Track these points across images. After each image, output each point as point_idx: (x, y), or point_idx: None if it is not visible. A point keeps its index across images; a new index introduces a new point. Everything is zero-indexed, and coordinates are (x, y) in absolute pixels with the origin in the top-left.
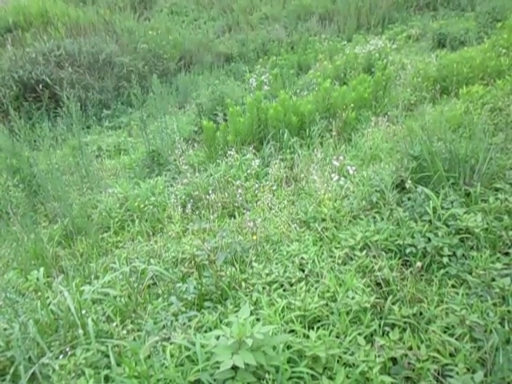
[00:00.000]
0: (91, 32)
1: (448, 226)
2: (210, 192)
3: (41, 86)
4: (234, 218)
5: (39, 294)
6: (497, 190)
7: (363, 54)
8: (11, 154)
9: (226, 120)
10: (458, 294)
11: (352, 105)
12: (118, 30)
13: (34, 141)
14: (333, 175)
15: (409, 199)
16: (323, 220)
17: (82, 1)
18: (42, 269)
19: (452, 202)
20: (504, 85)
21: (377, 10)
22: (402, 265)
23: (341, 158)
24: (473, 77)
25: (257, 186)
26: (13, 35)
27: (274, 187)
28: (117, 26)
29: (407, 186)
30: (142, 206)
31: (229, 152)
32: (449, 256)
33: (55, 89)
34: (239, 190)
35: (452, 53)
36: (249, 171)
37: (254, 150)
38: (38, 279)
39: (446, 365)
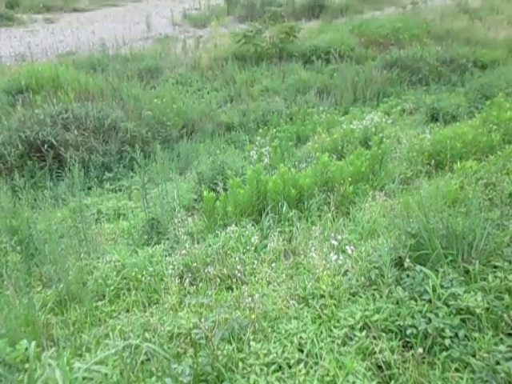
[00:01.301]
0: (99, 97)
1: (448, 305)
2: (209, 263)
3: (46, 147)
4: (232, 291)
5: (27, 365)
6: (495, 267)
7: (360, 129)
8: (11, 214)
9: (225, 190)
10: (462, 378)
11: (349, 179)
12: (124, 97)
13: (35, 199)
14: (331, 254)
15: (408, 276)
16: (322, 296)
17: (92, 68)
18: (33, 343)
19: (451, 281)
20: (496, 160)
21: (372, 85)
22: (404, 346)
23: (339, 236)
24: (466, 152)
25: (255, 259)
26: (24, 97)
27: (273, 261)
28: (124, 93)
29: (406, 264)
30: (140, 275)
31: (228, 227)
32: (451, 337)
33: (60, 150)
34: (238, 264)
35: (445, 127)
36: (248, 246)
37: (253, 222)
38: (26, 349)
39: None
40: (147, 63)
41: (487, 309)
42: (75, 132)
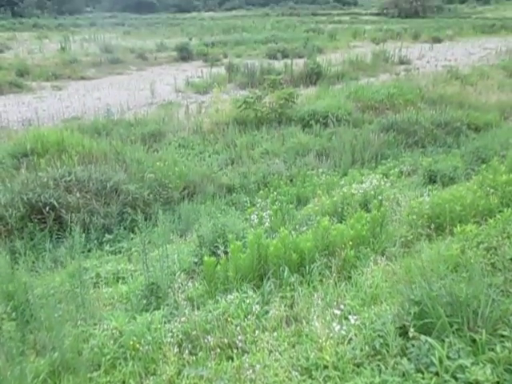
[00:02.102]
0: (102, 161)
1: (456, 379)
2: (209, 330)
3: (47, 209)
4: (232, 360)
5: None
6: (503, 336)
7: (359, 192)
8: (8, 278)
9: (226, 253)
10: None
11: (350, 242)
12: (127, 160)
13: (33, 262)
14: (334, 324)
15: (413, 346)
16: (325, 367)
17: (97, 132)
18: None
19: (458, 352)
20: (496, 224)
21: (370, 147)
22: None
23: (341, 306)
24: (465, 215)
25: (256, 326)
26: (28, 160)
27: (274, 329)
28: (127, 157)
29: (410, 334)
30: (137, 344)
31: (229, 294)
32: None
33: (61, 212)
34: (239, 332)
35: (443, 189)
36: (249, 313)
37: (254, 287)
38: None
39: None
40: (150, 128)
41: (497, 382)
42: (77, 194)
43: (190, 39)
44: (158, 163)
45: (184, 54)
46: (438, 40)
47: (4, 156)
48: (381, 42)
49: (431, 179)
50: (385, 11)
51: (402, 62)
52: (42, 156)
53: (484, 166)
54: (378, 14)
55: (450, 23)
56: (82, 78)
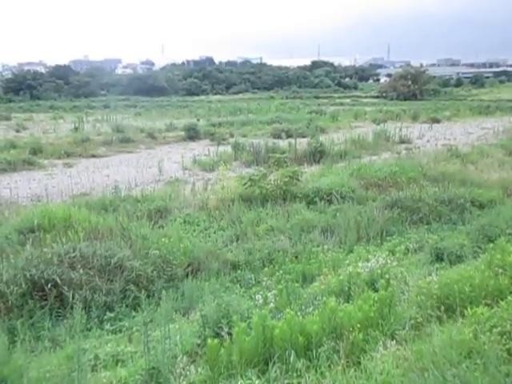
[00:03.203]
0: (108, 236)
1: None
2: None
3: (49, 286)
4: None
5: None
6: None
7: (366, 271)
8: (5, 360)
9: (230, 334)
10: None
11: (358, 325)
12: (132, 236)
13: (30, 341)
14: None
15: None
16: None
17: (104, 208)
18: None
19: None
20: (508, 306)
21: (374, 224)
22: None
23: None
24: (475, 296)
25: None
26: (35, 235)
27: None
28: (132, 233)
29: None
30: None
31: (232, 380)
32: None
33: (63, 289)
34: None
35: (451, 267)
36: None
37: (259, 373)
38: None
39: None
40: (157, 204)
41: None
42: (80, 271)
43: (198, 120)
44: (163, 239)
45: (192, 134)
46: (436, 120)
47: (11, 232)
48: (381, 122)
49: (438, 257)
50: (384, 94)
51: (402, 141)
52: (48, 232)
53: (491, 245)
54: (377, 97)
55: (447, 105)
56: (93, 156)
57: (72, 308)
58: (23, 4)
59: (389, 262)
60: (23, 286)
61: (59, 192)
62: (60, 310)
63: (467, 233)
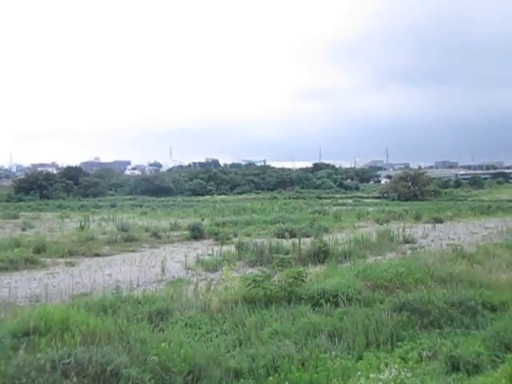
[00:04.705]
0: (106, 340)
1: None
2: None
3: None
4: None
5: None
6: None
7: None
8: None
9: None
10: None
11: None
12: (131, 341)
13: None
14: None
15: None
16: None
17: (103, 310)
18: None
19: None
20: None
21: (383, 328)
22: None
23: None
24: None
25: None
26: (29, 339)
27: None
28: (131, 337)
29: None
30: None
31: None
32: None
33: None
34: None
35: (469, 378)
36: None
37: None
38: None
39: None
40: (158, 305)
41: None
42: (74, 379)
43: (203, 219)
44: (162, 344)
45: (196, 233)
46: (439, 220)
47: (4, 335)
48: (384, 222)
49: (454, 366)
50: (385, 195)
51: (406, 241)
52: (44, 335)
53: (510, 355)
54: (378, 198)
55: (448, 205)
56: (96, 255)
57: None
58: (37, 108)
59: (402, 372)
60: None
61: (59, 292)
62: None
63: (483, 339)
